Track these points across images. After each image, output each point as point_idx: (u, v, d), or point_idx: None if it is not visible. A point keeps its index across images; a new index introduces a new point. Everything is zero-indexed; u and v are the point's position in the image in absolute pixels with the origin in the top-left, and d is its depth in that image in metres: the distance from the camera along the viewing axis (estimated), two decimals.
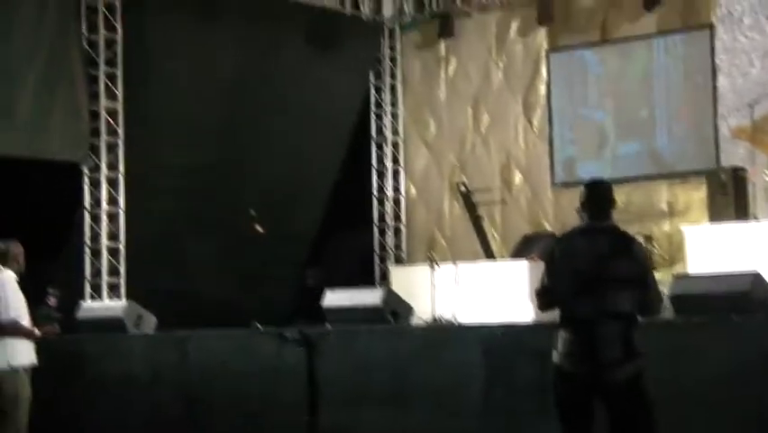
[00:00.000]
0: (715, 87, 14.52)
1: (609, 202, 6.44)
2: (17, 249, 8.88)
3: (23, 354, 8.68)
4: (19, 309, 8.73)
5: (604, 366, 6.10)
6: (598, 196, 6.40)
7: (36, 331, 8.84)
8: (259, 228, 11.82)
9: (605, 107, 15.64)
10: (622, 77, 15.47)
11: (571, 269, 6.21)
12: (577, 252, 6.23)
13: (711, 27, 14.59)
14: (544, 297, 6.38)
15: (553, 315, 6.42)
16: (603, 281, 6.13)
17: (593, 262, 6.16)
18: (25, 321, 8.77)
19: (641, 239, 12.67)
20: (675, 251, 14.32)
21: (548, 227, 15.36)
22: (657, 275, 12.63)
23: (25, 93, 13.15)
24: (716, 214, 12.50)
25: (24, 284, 9.78)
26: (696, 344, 7.79)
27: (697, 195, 14.41)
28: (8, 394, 8.57)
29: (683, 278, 9.15)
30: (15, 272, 8.79)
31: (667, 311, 8.62)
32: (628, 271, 6.17)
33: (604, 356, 6.09)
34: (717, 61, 14.50)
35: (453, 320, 10.93)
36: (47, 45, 13.30)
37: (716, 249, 11.45)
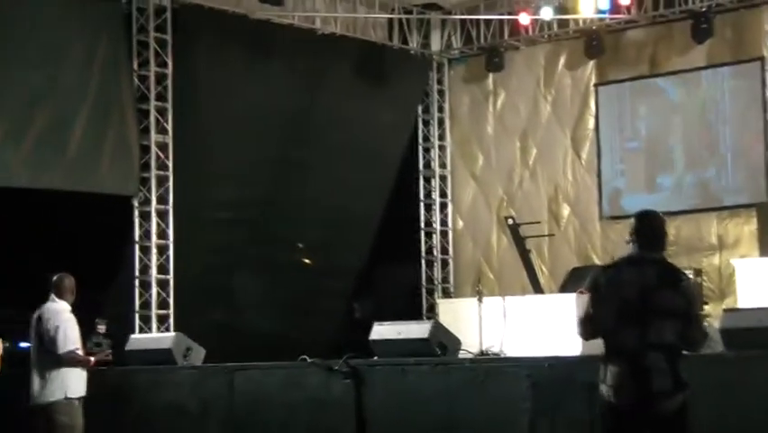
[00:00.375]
0: (765, 120, 14.42)
1: (660, 233, 6.38)
2: (70, 281, 9.09)
3: (78, 384, 8.88)
4: (76, 341, 8.93)
5: (655, 397, 6.05)
6: (648, 227, 6.35)
7: (91, 359, 9.03)
8: (307, 261, 11.84)
9: (653, 140, 15.57)
10: (672, 110, 15.41)
11: (617, 298, 6.17)
12: (623, 281, 6.19)
13: (762, 59, 14.51)
14: (588, 325, 6.35)
15: (599, 347, 6.38)
16: (647, 312, 6.09)
17: (639, 293, 6.12)
18: (80, 351, 8.96)
19: (690, 273, 12.66)
20: (725, 284, 14.21)
21: (596, 260, 15.28)
22: (707, 308, 12.58)
23: (77, 128, 13.32)
24: (766, 247, 12.38)
25: (76, 315, 9.95)
26: (746, 378, 7.71)
27: (747, 228, 14.30)
28: (64, 424, 8.79)
29: (733, 311, 9.07)
30: (69, 304, 8.98)
31: (718, 345, 8.55)
32: (673, 303, 6.12)
33: (655, 387, 6.04)
34: None
35: (501, 353, 10.88)
36: (98, 80, 13.48)
37: (766, 283, 11.33)
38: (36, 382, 8.98)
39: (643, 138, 15.67)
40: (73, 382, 8.90)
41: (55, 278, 9.10)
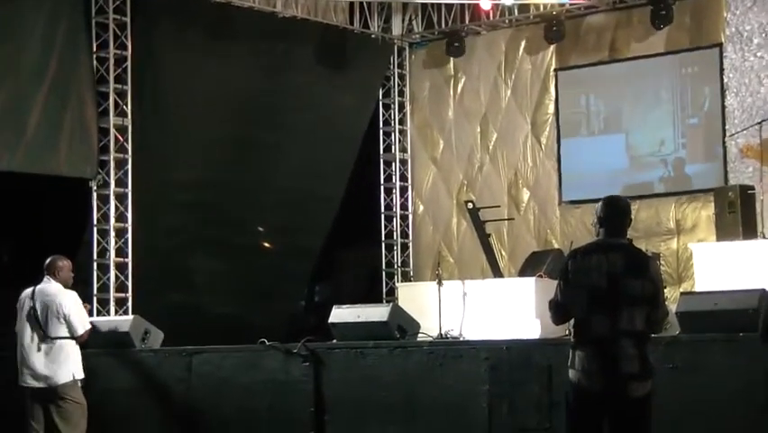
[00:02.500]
0: (723, 106, 14.52)
1: (625, 218, 6.43)
2: (63, 262, 9.43)
3: (80, 367, 9.31)
4: (84, 317, 9.41)
5: (623, 381, 6.10)
6: (614, 211, 6.39)
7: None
8: (266, 244, 11.82)
9: (612, 126, 15.66)
10: (630, 95, 15.49)
11: (586, 285, 6.20)
12: (591, 268, 6.22)
13: (720, 46, 14.60)
14: (558, 311, 6.39)
15: (557, 331, 6.43)
16: (618, 299, 6.13)
17: (608, 280, 6.16)
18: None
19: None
20: (683, 269, 14.34)
21: (555, 244, 15.36)
22: (665, 292, 12.70)
23: (35, 110, 13.18)
24: (724, 232, 12.48)
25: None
26: (703, 361, 7.79)
27: (705, 213, 14.41)
28: (75, 402, 9.20)
29: (690, 295, 9.14)
30: (63, 285, 9.33)
31: (673, 328, 8.63)
32: (642, 290, 6.17)
33: (624, 371, 6.08)
34: (726, 80, 14.51)
35: (460, 336, 10.92)
36: (56, 62, 13.34)
37: (723, 267, 11.44)
38: (39, 364, 9.16)
39: (601, 124, 15.76)
40: (77, 364, 9.30)
41: (49, 259, 9.35)
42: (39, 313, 9.17)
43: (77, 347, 9.31)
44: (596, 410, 6.19)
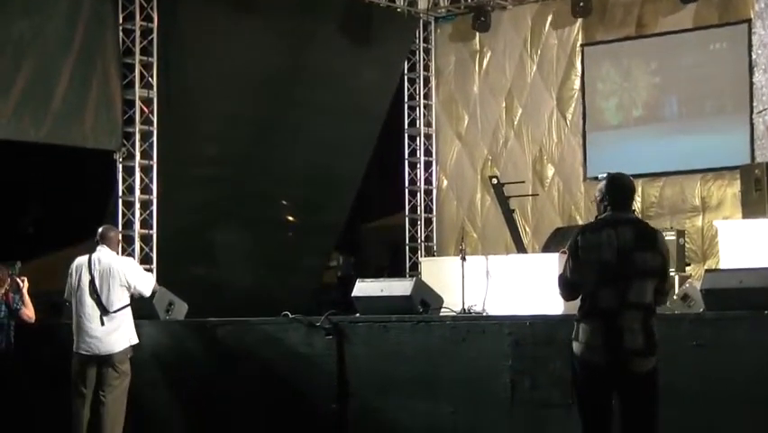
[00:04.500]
0: (751, 83, 14.41)
1: (631, 193, 6.46)
2: (116, 233, 10.00)
3: (134, 331, 9.57)
4: (147, 277, 9.96)
5: (628, 356, 6.11)
6: (620, 187, 6.41)
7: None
8: (290, 218, 11.83)
9: (639, 102, 15.58)
10: (656, 71, 15.39)
11: (595, 260, 6.22)
12: (602, 243, 6.23)
13: (749, 22, 14.48)
14: (567, 287, 6.41)
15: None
16: (628, 273, 6.14)
17: (617, 254, 6.16)
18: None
19: (673, 234, 12.71)
20: (708, 246, 14.28)
21: (579, 220, 15.31)
22: (689, 269, 12.67)
23: (61, 82, 13.21)
24: (749, 209, 12.42)
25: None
26: (727, 338, 7.76)
27: (730, 190, 14.34)
28: (125, 372, 9.44)
29: (715, 272, 9.11)
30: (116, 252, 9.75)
31: (698, 305, 8.61)
32: (651, 263, 6.19)
33: (629, 346, 6.09)
34: (754, 56, 14.40)
35: (483, 312, 10.92)
36: (81, 34, 13.35)
37: (748, 244, 11.38)
38: (100, 333, 9.35)
39: (628, 100, 15.67)
40: (132, 329, 9.53)
41: (101, 229, 9.66)
42: (98, 285, 9.37)
43: (130, 313, 9.53)
44: (603, 383, 6.21)
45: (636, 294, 6.14)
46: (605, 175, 6.46)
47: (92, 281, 9.37)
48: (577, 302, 6.72)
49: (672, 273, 6.58)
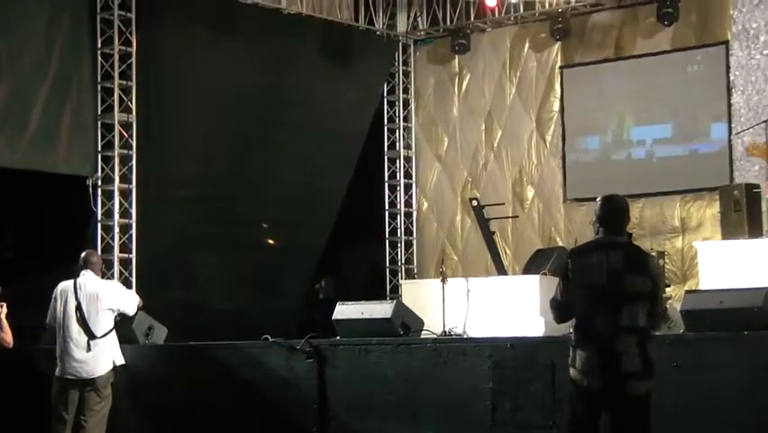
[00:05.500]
0: (729, 104, 14.48)
1: (625, 216, 6.43)
2: (98, 257, 10.07)
3: (119, 352, 9.70)
4: (131, 297, 10.02)
5: (624, 380, 6.08)
6: (614, 210, 6.39)
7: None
8: (271, 241, 11.80)
9: (617, 124, 15.62)
10: (635, 93, 15.45)
11: (586, 284, 6.20)
12: (592, 266, 6.22)
13: (726, 44, 14.56)
14: (559, 310, 6.39)
15: (561, 328, 6.40)
16: (618, 297, 6.12)
17: (608, 278, 6.15)
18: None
19: (653, 255, 12.72)
20: (688, 267, 14.31)
21: (560, 242, 15.34)
22: (669, 290, 12.67)
23: (36, 106, 13.15)
24: (728, 230, 12.44)
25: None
26: (708, 359, 7.76)
27: (710, 211, 14.37)
28: (106, 395, 9.50)
29: (695, 293, 9.12)
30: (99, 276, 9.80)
31: (678, 326, 8.60)
32: (642, 286, 6.17)
33: (624, 369, 6.07)
34: (732, 78, 14.47)
35: (464, 334, 10.90)
36: (58, 58, 13.30)
37: (728, 265, 11.40)
38: (85, 358, 9.41)
39: (606, 122, 15.73)
40: (117, 350, 9.63)
41: (84, 254, 9.80)
42: (85, 310, 9.43)
43: (116, 336, 9.63)
44: (595, 408, 6.20)
45: (629, 318, 6.12)
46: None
47: (78, 307, 9.40)
48: (560, 325, 6.72)
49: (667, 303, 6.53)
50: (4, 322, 10.02)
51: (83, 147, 13.65)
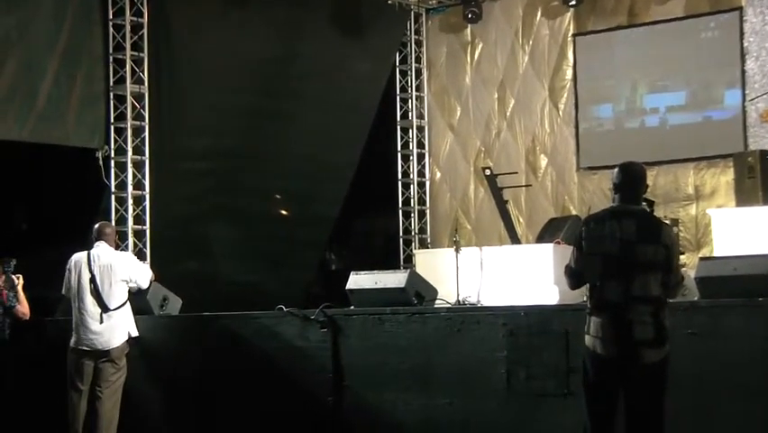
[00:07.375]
0: (743, 71, 14.41)
1: (641, 184, 6.42)
2: (111, 228, 10.10)
3: (134, 324, 9.75)
4: (145, 269, 10.09)
5: (638, 347, 6.08)
6: (631, 177, 6.38)
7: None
8: (283, 211, 11.80)
9: (631, 92, 15.56)
10: (649, 60, 15.37)
11: (599, 252, 6.19)
12: (605, 235, 6.22)
13: (740, 9, 14.47)
14: (573, 277, 6.40)
15: (575, 296, 6.40)
16: (630, 266, 6.12)
17: (620, 247, 6.14)
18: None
19: (667, 222, 12.70)
20: (701, 234, 14.28)
21: (573, 211, 15.31)
22: (683, 258, 12.64)
23: (46, 80, 13.12)
24: (742, 197, 12.41)
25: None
26: (722, 326, 7.75)
27: (724, 178, 14.34)
28: (121, 367, 9.56)
29: (709, 260, 9.10)
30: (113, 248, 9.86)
31: (692, 293, 8.59)
32: (654, 256, 6.15)
33: (637, 337, 6.07)
34: (746, 44, 14.39)
35: (478, 303, 10.91)
36: (68, 31, 13.27)
37: (742, 232, 11.38)
38: (100, 329, 9.45)
39: (620, 89, 15.66)
40: (132, 322, 9.67)
41: (98, 225, 9.82)
42: (99, 282, 9.48)
43: (130, 308, 9.68)
44: (612, 376, 6.20)
45: (641, 287, 6.11)
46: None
47: (92, 279, 9.45)
48: (574, 292, 6.73)
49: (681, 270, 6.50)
50: (21, 294, 10.09)
51: (93, 119, 13.64)
